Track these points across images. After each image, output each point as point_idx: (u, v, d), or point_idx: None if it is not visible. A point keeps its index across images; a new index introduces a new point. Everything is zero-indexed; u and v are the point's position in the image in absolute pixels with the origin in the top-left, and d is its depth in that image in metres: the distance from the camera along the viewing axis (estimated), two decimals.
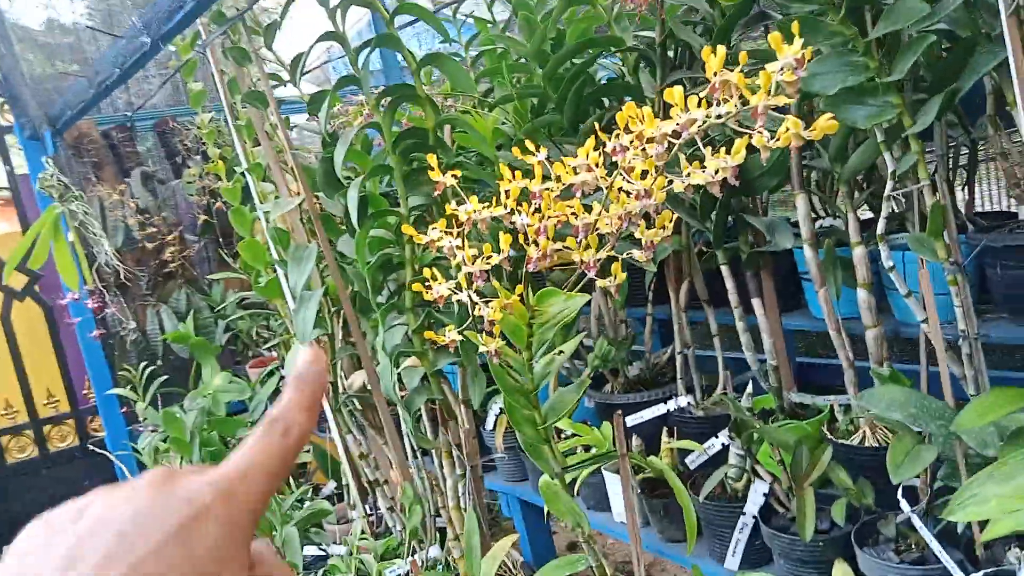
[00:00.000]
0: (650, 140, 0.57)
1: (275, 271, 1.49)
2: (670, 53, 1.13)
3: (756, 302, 1.14)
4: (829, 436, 1.04)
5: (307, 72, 1.39)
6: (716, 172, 0.56)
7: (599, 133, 0.59)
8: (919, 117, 0.83)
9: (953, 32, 0.85)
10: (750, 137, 0.52)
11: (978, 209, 1.49)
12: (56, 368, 2.79)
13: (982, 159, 1.44)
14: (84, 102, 1.81)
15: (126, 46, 1.43)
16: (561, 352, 0.75)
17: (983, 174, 1.85)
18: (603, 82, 1.24)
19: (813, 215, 1.10)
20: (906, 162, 0.87)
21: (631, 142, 0.58)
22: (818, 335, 1.15)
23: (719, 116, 0.53)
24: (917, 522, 0.82)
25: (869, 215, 1.30)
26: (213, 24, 1.31)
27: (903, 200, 1.16)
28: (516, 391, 0.79)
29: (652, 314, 1.42)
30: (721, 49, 0.48)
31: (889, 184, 0.90)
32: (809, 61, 0.47)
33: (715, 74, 0.49)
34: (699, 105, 0.53)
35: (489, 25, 1.36)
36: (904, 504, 0.85)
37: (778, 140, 0.52)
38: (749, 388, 1.08)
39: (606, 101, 1.23)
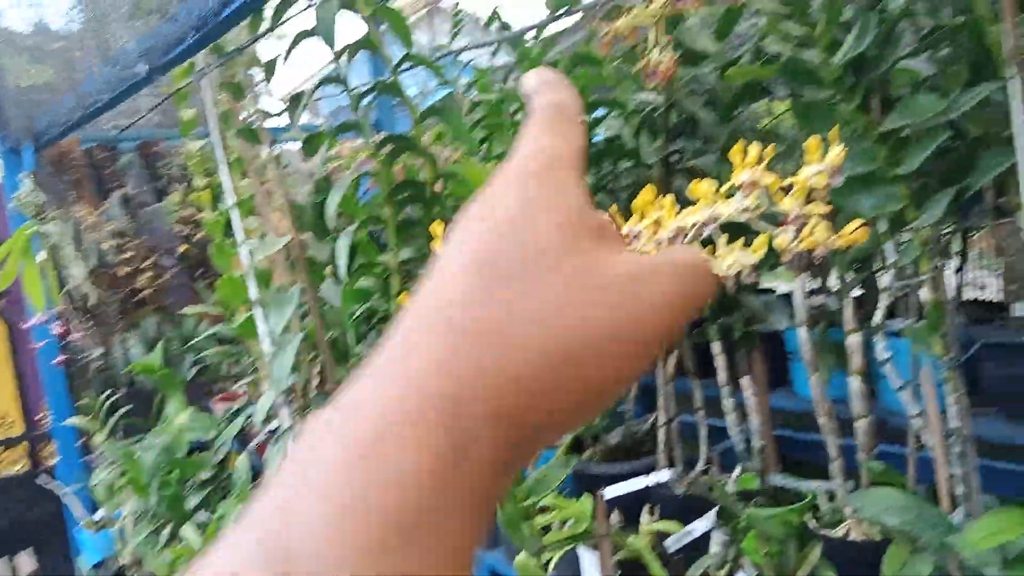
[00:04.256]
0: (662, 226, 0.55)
1: (251, 309, 1.44)
2: (672, 119, 1.12)
3: (745, 381, 1.12)
4: (813, 524, 1.01)
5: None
6: (731, 266, 0.54)
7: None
8: (925, 210, 0.82)
9: (960, 126, 0.84)
10: (770, 234, 0.50)
11: (965, 298, 1.49)
12: (13, 388, 2.68)
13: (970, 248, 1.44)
14: (70, 122, 1.76)
15: (120, 72, 1.39)
16: None
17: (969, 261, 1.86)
18: (600, 141, 1.23)
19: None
20: (909, 254, 0.85)
21: (646, 228, 0.55)
22: (803, 413, 1.14)
23: (745, 210, 0.51)
24: None
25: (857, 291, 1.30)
26: (211, 55, 1.28)
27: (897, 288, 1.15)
28: None
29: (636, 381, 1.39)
30: (750, 150, 0.46)
31: (889, 275, 0.88)
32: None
33: (741, 173, 0.47)
34: (719, 195, 0.51)
35: (488, 72, 1.36)
36: None
37: (802, 242, 0.50)
38: (736, 471, 1.05)
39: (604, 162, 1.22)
